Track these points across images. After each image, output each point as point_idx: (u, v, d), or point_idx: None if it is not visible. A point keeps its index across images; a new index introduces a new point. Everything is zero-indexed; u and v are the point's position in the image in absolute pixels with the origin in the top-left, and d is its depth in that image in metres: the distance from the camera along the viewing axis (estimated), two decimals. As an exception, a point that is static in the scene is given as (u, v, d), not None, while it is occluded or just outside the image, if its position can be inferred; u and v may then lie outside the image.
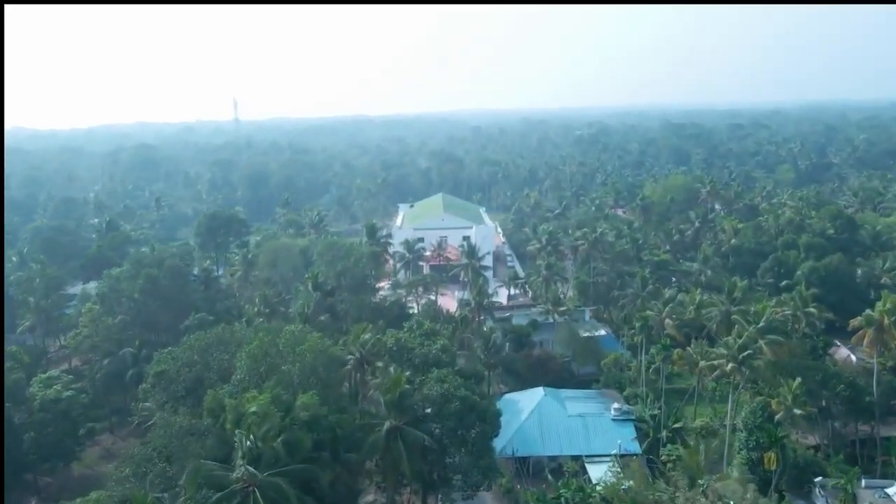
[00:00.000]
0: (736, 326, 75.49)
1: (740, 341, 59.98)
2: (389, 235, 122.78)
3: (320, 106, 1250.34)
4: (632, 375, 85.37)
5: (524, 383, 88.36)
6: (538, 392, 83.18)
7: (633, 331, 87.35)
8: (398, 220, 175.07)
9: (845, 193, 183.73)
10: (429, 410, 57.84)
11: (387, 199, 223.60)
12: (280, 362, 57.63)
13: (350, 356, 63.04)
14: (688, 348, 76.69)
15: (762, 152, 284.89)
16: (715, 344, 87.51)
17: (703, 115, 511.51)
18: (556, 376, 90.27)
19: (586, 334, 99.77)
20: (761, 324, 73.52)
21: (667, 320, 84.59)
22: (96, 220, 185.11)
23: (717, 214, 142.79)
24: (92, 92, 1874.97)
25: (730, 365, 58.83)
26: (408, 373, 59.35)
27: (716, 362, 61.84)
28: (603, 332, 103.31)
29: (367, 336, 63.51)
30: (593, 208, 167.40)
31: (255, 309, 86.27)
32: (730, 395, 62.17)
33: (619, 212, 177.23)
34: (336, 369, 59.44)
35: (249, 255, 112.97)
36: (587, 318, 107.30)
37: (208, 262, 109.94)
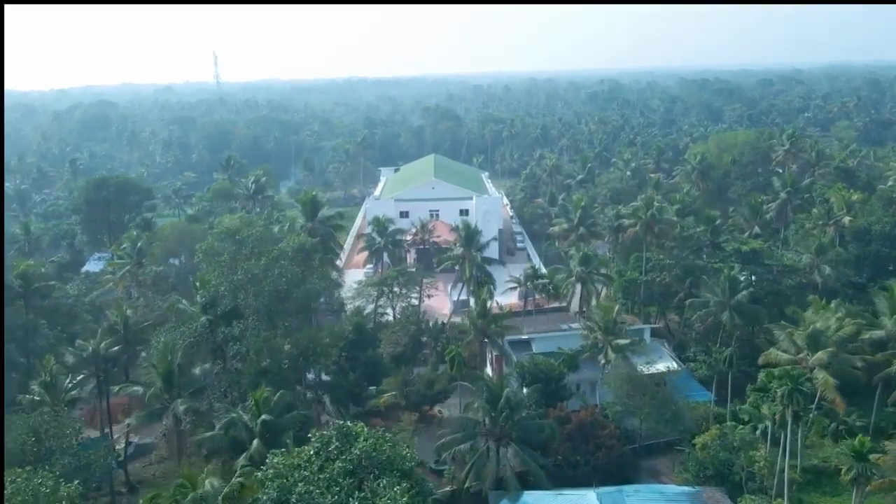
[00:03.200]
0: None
1: None
2: (340, 216, 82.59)
3: (313, 68, 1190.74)
4: (757, 467, 48.29)
5: (552, 456, 52.26)
6: (587, 501, 46.73)
7: (757, 394, 49.95)
8: (378, 189, 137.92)
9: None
10: None
11: (369, 163, 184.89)
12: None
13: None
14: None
15: (810, 108, 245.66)
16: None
17: (721, 75, 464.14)
18: (612, 456, 53.54)
19: (651, 370, 62.88)
20: None
21: (819, 372, 47.08)
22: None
23: (813, 181, 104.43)
24: (79, 53, 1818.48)
25: None
26: None
27: None
28: (676, 366, 66.23)
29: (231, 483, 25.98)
30: (628, 173, 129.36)
31: (90, 348, 48.99)
32: None
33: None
34: None
35: (140, 245, 75.13)
36: (647, 338, 70.23)
37: (56, 257, 71.30)
